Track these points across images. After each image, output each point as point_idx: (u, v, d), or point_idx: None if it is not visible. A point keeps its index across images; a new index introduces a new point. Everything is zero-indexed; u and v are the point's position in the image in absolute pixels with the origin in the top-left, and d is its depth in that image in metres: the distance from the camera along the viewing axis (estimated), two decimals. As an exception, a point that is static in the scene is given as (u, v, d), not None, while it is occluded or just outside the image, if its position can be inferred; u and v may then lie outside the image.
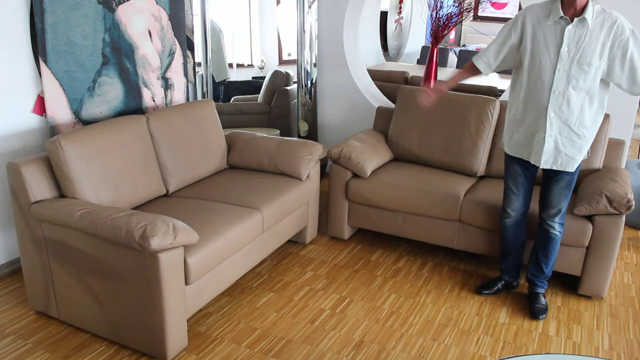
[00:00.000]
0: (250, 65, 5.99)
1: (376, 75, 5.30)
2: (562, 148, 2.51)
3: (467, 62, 2.78)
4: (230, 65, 5.70)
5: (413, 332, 2.60)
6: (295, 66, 4.66)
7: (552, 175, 2.61)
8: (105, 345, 2.41)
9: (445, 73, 6.64)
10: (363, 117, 4.45)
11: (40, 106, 2.88)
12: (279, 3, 5.98)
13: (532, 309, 2.78)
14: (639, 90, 2.41)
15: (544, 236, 2.72)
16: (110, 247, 2.22)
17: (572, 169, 2.54)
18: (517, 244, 2.86)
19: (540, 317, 2.74)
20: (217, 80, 4.39)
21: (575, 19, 2.36)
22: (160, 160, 2.94)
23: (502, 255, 2.93)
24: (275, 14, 6.00)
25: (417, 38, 8.77)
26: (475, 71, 2.72)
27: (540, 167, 2.56)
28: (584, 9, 2.36)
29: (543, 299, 2.82)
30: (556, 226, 2.68)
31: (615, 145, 3.27)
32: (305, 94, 4.65)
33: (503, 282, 2.96)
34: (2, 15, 2.64)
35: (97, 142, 2.58)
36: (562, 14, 2.38)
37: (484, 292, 2.95)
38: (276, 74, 5.14)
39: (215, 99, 4.80)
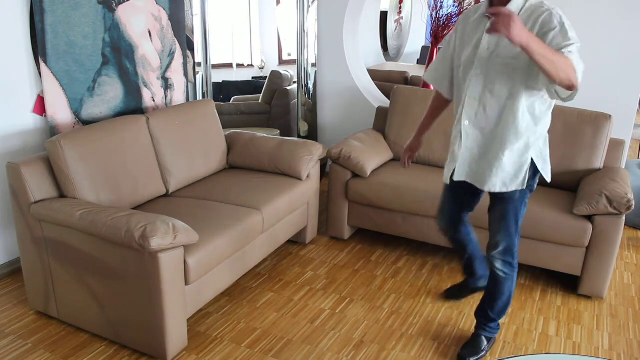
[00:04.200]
0: (250, 65, 6.00)
1: (376, 75, 5.30)
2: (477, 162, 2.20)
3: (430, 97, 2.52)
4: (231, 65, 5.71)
5: (413, 332, 2.60)
6: (295, 66, 4.66)
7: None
8: (105, 345, 2.41)
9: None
10: (363, 117, 4.45)
11: (40, 106, 2.88)
12: (279, 3, 5.98)
13: (461, 351, 2.42)
14: (558, 92, 1.93)
15: (490, 272, 2.37)
16: (110, 247, 2.22)
17: (499, 189, 2.16)
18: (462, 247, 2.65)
19: None
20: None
21: None
22: (160, 160, 2.94)
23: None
24: (275, 14, 6.00)
25: (417, 38, 8.77)
26: (442, 100, 2.46)
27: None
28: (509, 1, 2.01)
29: (482, 343, 2.42)
30: (497, 263, 2.28)
31: (615, 145, 3.28)
32: (305, 94, 4.65)
33: (469, 287, 2.81)
34: (2, 15, 2.64)
35: (97, 142, 2.58)
36: (486, 10, 2.02)
37: (449, 297, 2.87)
38: (274, 73, 5.14)
39: (215, 99, 4.80)
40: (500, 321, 2.70)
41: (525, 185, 2.13)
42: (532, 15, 1.96)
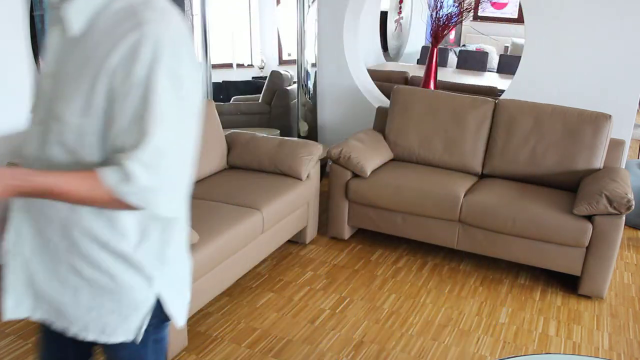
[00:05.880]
0: (250, 65, 6.00)
1: (376, 75, 5.30)
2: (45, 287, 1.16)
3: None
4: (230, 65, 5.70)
5: (413, 332, 2.60)
6: (295, 66, 4.66)
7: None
8: (105, 345, 2.41)
9: (445, 73, 6.65)
10: (363, 117, 4.45)
11: (40, 106, 2.88)
12: (279, 3, 5.99)
13: None
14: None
15: None
16: (110, 247, 2.21)
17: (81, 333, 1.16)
18: None
19: None
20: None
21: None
22: (160, 160, 2.94)
23: None
24: (275, 14, 6.00)
25: (417, 38, 8.76)
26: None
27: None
28: None
29: None
30: None
31: (615, 145, 3.28)
32: (305, 94, 4.64)
33: None
34: (1, 16, 2.64)
35: (97, 142, 2.58)
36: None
37: None
38: (274, 73, 5.14)
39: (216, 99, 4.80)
40: (500, 321, 2.70)
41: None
42: (116, 29, 1.02)
